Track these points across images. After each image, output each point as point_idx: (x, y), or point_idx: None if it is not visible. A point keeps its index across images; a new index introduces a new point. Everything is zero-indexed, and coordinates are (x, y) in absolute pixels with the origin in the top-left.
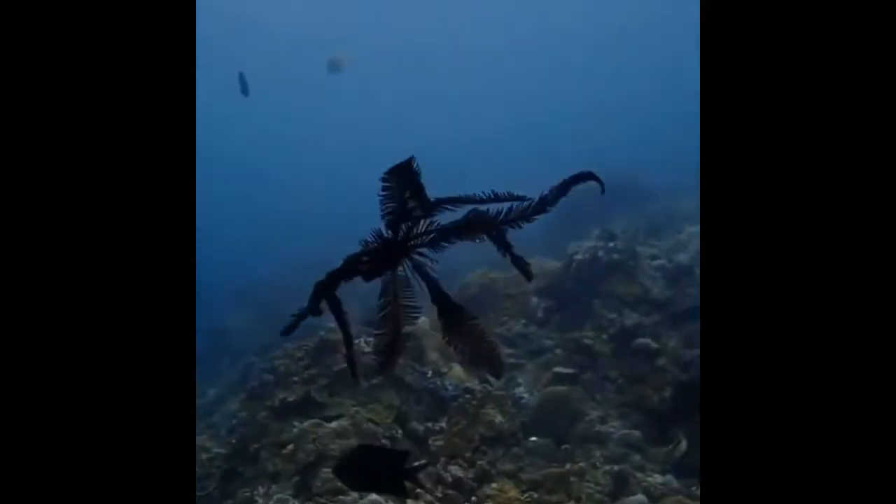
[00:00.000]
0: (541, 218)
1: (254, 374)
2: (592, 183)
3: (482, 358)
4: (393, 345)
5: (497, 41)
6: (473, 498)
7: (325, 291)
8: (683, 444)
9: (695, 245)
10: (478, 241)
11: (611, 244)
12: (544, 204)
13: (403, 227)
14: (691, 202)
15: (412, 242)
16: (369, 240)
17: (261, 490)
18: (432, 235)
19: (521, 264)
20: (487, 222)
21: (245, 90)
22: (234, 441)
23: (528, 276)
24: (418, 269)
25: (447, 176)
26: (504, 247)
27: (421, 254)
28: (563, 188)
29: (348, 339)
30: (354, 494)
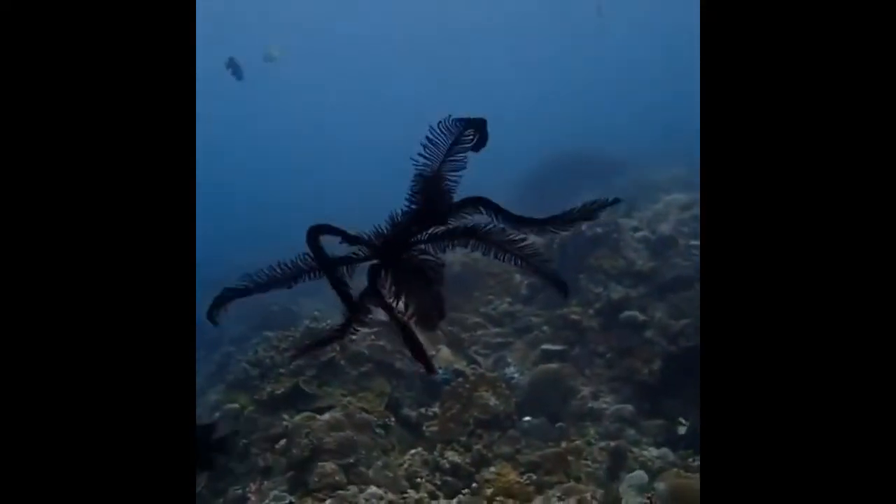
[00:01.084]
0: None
1: (232, 363)
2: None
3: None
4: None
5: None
6: (473, 484)
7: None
8: (685, 429)
9: (675, 215)
10: (489, 254)
11: None
12: (562, 221)
13: (414, 227)
14: (662, 172)
15: (413, 239)
16: (369, 234)
17: (253, 487)
18: (438, 234)
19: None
20: (497, 232)
21: (239, 75)
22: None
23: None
24: (418, 267)
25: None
26: (524, 259)
27: (423, 252)
28: (585, 213)
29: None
30: (354, 488)
